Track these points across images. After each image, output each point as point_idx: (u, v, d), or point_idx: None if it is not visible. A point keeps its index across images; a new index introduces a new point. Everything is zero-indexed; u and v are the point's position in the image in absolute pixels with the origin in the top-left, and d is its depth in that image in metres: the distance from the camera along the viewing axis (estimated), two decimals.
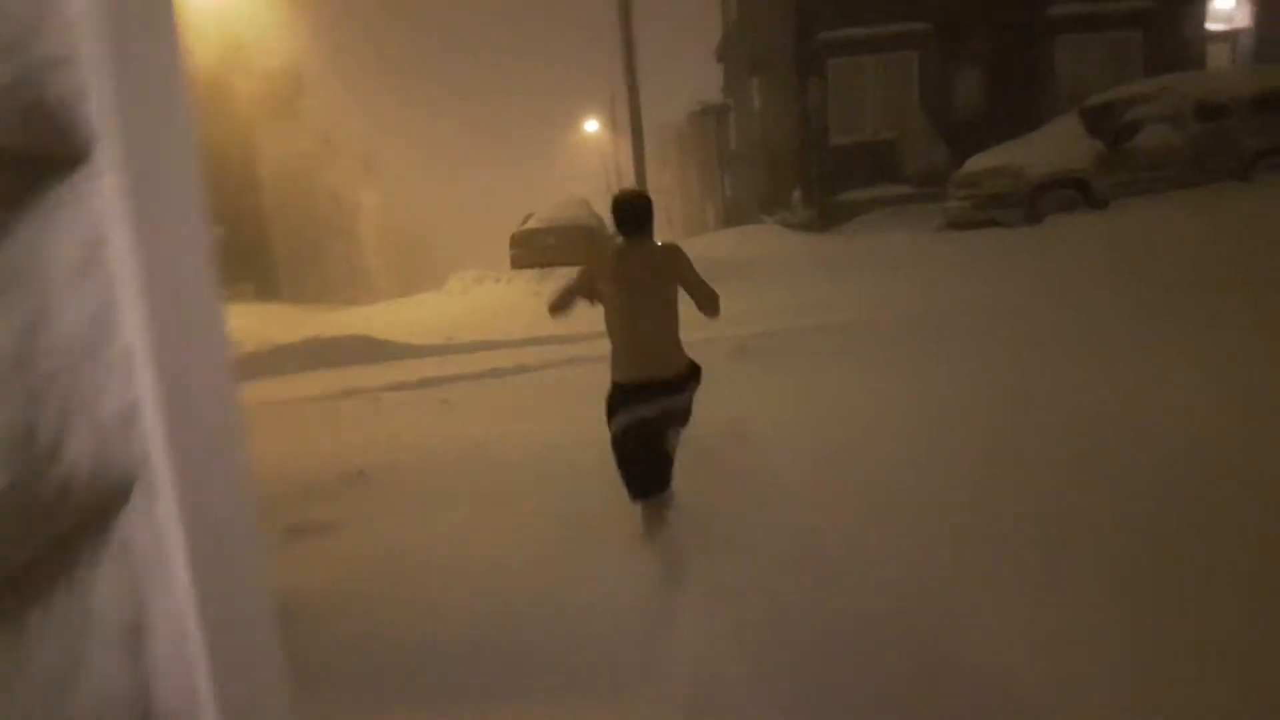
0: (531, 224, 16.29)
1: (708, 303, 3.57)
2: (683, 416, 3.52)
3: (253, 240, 23.21)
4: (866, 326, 6.72)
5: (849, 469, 3.59)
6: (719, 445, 4.03)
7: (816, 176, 16.82)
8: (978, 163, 12.52)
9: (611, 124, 36.54)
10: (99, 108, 0.61)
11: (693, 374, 3.56)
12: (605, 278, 3.59)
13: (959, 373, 4.91)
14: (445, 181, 53.73)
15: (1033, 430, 3.79)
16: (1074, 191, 11.51)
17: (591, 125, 44.97)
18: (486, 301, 12.56)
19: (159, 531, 0.63)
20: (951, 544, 2.79)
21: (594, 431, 4.50)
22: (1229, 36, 17.72)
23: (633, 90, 17.61)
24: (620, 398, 3.51)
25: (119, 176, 0.62)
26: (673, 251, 3.63)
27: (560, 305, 3.72)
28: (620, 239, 3.70)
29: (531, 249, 15.65)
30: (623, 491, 3.34)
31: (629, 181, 22.18)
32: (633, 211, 3.66)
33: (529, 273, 14.26)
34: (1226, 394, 3.81)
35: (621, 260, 3.59)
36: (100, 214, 0.61)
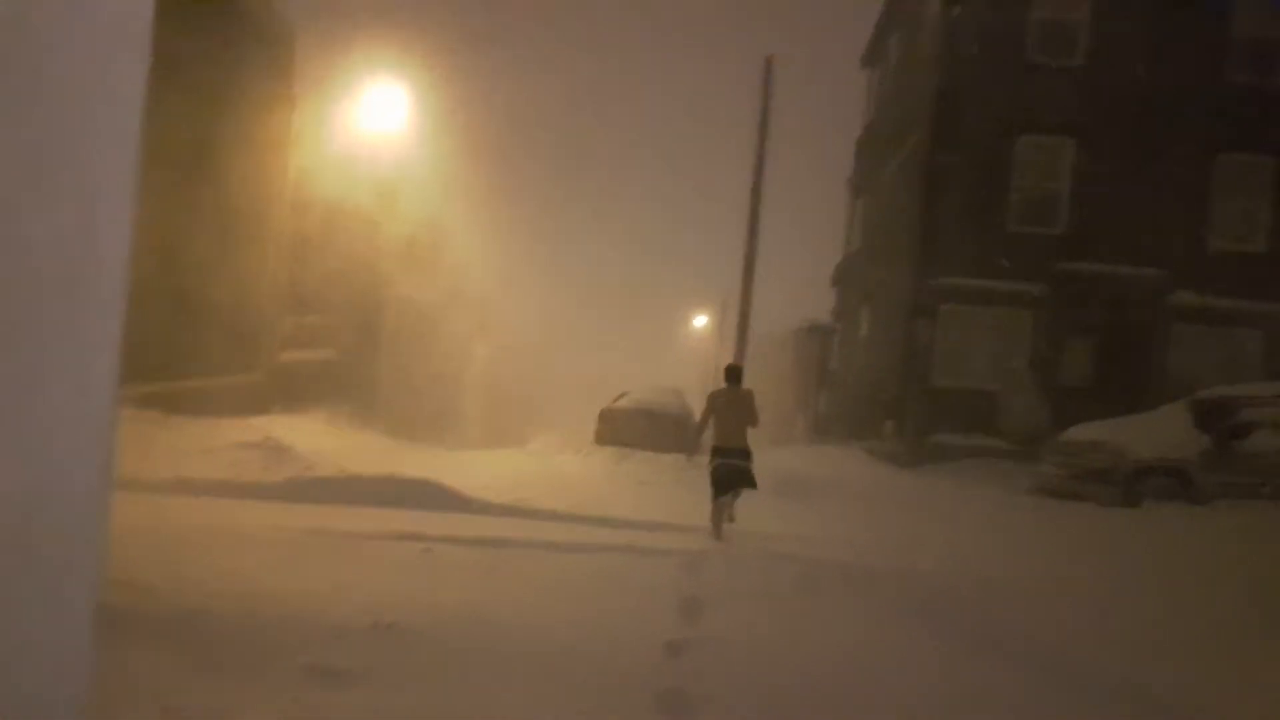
0: (623, 403, 16.57)
1: (755, 422, 8.35)
2: (747, 466, 8.06)
3: (363, 369, 24.16)
4: (938, 582, 6.49)
5: None
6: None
7: (912, 413, 16.74)
8: (1079, 433, 12.29)
9: (719, 325, 37.44)
10: None
11: (749, 450, 8.23)
12: (717, 404, 8.49)
13: (1036, 653, 4.67)
14: (552, 349, 55.40)
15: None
16: (1175, 481, 11.14)
17: (700, 321, 46.15)
18: (563, 470, 12.65)
19: None
20: None
21: (637, 630, 4.40)
22: None
23: (746, 297, 18.13)
24: (718, 454, 8.20)
25: None
26: (748, 393, 8.56)
27: (699, 430, 9.06)
28: (725, 385, 8.79)
29: (618, 427, 15.84)
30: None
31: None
32: (735, 371, 9.01)
33: (609, 450, 14.37)
34: None
35: (725, 393, 8.59)
36: None
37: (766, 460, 15.34)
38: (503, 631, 4.23)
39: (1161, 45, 16.60)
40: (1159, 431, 11.63)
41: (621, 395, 17.01)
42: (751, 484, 8.07)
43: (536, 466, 13.04)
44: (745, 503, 8.36)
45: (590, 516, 8.52)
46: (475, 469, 11.91)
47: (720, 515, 7.96)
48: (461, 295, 37.93)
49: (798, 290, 34.37)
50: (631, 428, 15.60)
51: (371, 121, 23.74)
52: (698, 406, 20.40)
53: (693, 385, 31.68)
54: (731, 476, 7.97)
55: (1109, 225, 16.64)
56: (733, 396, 8.45)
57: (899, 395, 17.47)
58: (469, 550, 6.20)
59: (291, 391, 17.95)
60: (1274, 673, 4.44)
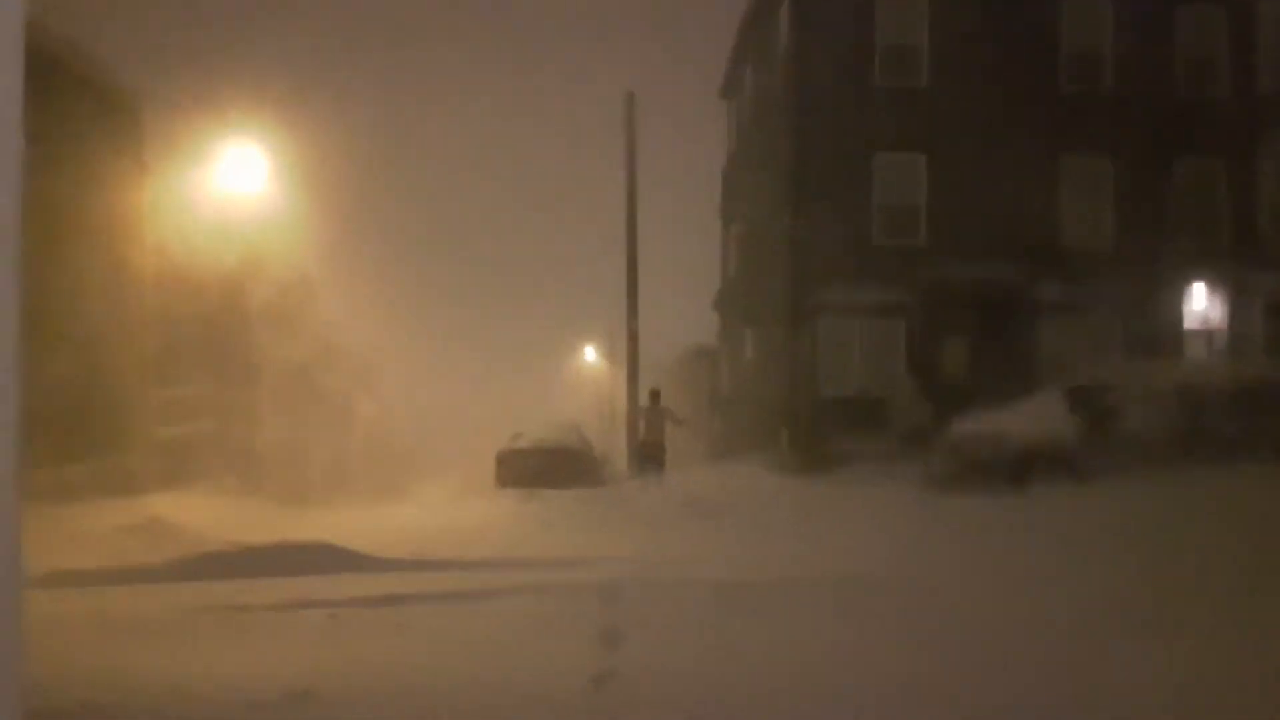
0: (520, 443, 16.44)
1: (677, 422, 16.44)
2: (663, 456, 15.78)
3: (243, 437, 23.25)
4: (842, 583, 6.61)
5: None
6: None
7: (803, 424, 17.14)
8: (962, 427, 12.79)
9: (609, 355, 37.57)
10: None
11: (664, 445, 15.96)
12: (645, 415, 16.38)
13: (934, 639, 4.79)
14: (440, 395, 54.44)
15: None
16: (1056, 464, 11.68)
17: (589, 353, 46.22)
18: (466, 518, 12.41)
19: None
20: None
21: (559, 668, 4.33)
22: (1205, 334, 18.63)
23: (631, 329, 18.29)
24: (644, 448, 16.06)
25: None
26: (664, 408, 16.15)
27: (632, 435, 16.35)
28: (649, 403, 16.05)
29: (517, 468, 15.72)
30: None
31: (621, 409, 22.54)
32: (655, 393, 16.33)
33: (512, 492, 14.20)
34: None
35: (649, 409, 16.31)
36: None
37: (669, 483, 15.43)
38: (419, 690, 4.10)
39: (999, 63, 17.67)
40: (1038, 418, 12.20)
41: (518, 435, 16.87)
42: (662, 466, 15.63)
43: (436, 517, 12.76)
44: (653, 529, 8.37)
45: (497, 560, 8.38)
46: (370, 527, 11.57)
47: (646, 482, 14.49)
48: (338, 352, 37.03)
49: (682, 315, 34.83)
50: (531, 467, 15.48)
51: (230, 184, 23.05)
52: (597, 439, 20.34)
53: (588, 416, 31.64)
54: (650, 459, 15.60)
55: (968, 230, 17.53)
56: (654, 410, 15.99)
57: (788, 408, 17.86)
58: (375, 610, 6.00)
59: (171, 468, 17.14)
60: (1147, 636, 4.66)
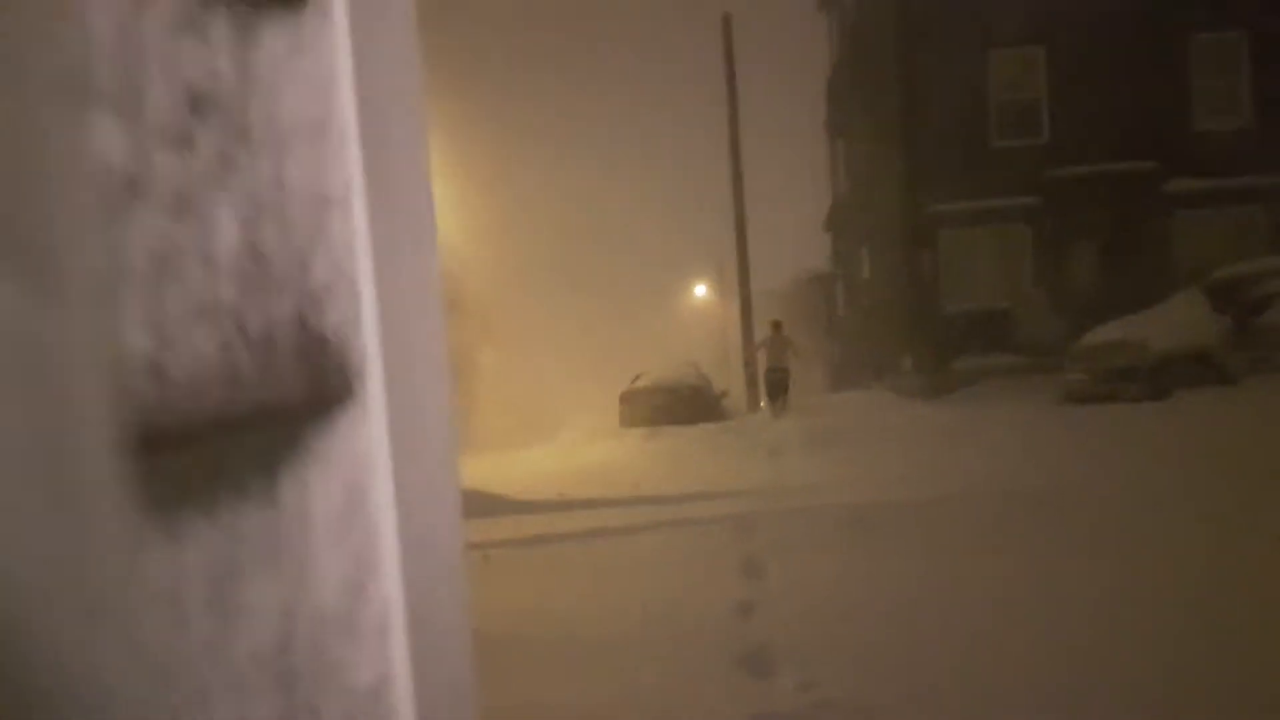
0: (641, 383, 16.65)
1: (797, 353, 16.38)
2: (786, 378, 15.75)
3: None
4: (978, 500, 6.54)
5: (959, 649, 3.45)
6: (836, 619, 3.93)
7: (928, 344, 16.76)
8: (1097, 336, 12.30)
9: (720, 289, 37.42)
10: (367, 340, 0.58)
11: (788, 370, 15.84)
12: (768, 343, 16.13)
13: (1074, 555, 4.71)
14: (560, 342, 55.40)
15: (1148, 620, 3.59)
16: (1201, 368, 11.15)
17: (701, 290, 46.12)
18: (596, 458, 12.72)
19: (374, 442, 0.57)
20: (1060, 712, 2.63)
21: (706, 599, 4.47)
22: None
23: (742, 259, 18.14)
24: (770, 373, 15.81)
25: (382, 416, 0.58)
26: (786, 337, 16.18)
27: (753, 363, 17.71)
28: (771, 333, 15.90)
29: (640, 407, 15.93)
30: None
31: (736, 344, 22.52)
32: (776, 323, 16.35)
33: (636, 431, 14.44)
34: None
35: (771, 337, 16.10)
36: (364, 460, 0.57)
37: (792, 413, 15.41)
38: (573, 622, 4.30)
39: None
40: (1178, 321, 11.63)
41: (639, 376, 17.09)
42: (786, 389, 15.68)
43: (567, 458, 13.12)
44: (780, 459, 8.40)
45: (633, 498, 8.59)
46: (507, 471, 11.99)
47: (773, 407, 15.53)
48: (457, 306, 37.97)
49: (794, 240, 34.34)
50: (653, 406, 15.69)
51: None
52: (714, 375, 20.41)
53: (704, 353, 31.69)
54: (777, 384, 15.68)
55: (1093, 125, 16.58)
56: (777, 339, 16.10)
57: (911, 329, 17.47)
58: (525, 550, 6.27)
59: None
60: None
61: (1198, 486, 6.35)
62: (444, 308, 0.72)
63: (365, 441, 0.56)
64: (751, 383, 20.91)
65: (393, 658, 0.57)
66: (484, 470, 11.91)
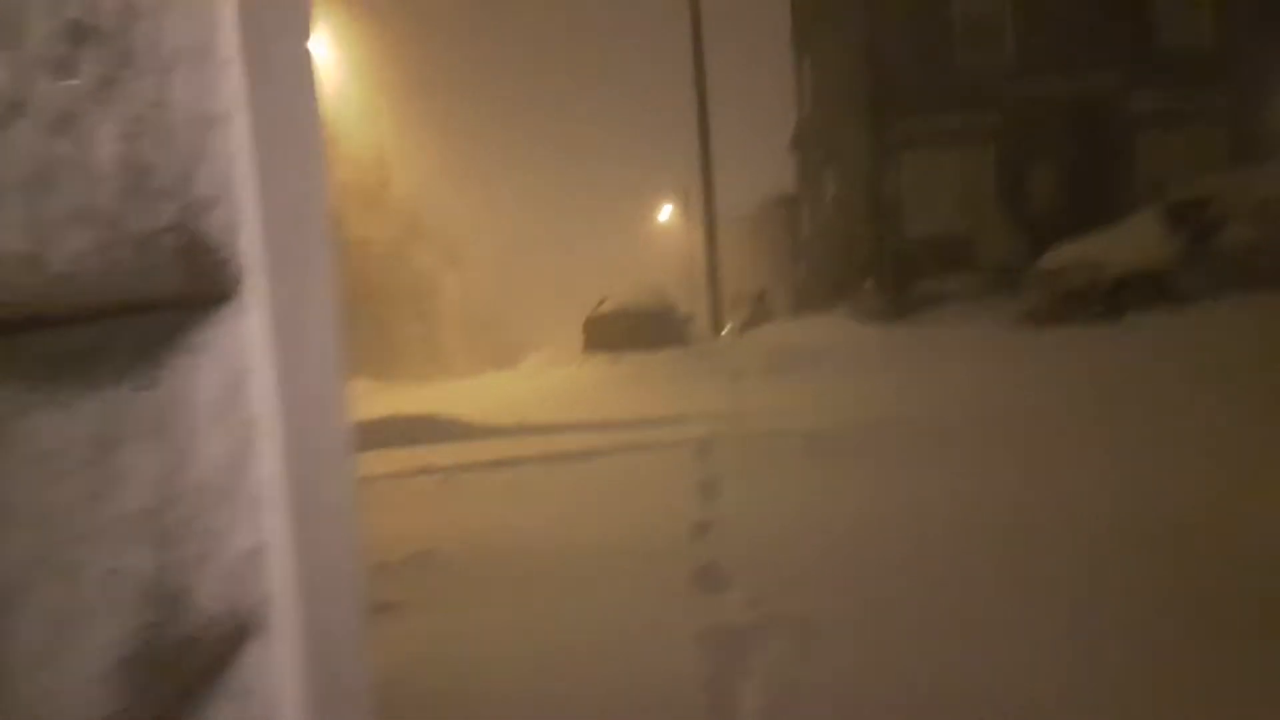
0: (605, 308, 16.58)
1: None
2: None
3: None
4: (936, 422, 6.64)
5: (916, 564, 3.53)
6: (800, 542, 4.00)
7: (890, 267, 16.83)
8: (1055, 257, 12.40)
9: (686, 212, 37.16)
10: (248, 246, 0.64)
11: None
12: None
13: (1030, 472, 4.82)
14: (524, 266, 55.06)
15: (1104, 535, 3.69)
16: (1155, 288, 11.30)
17: (667, 212, 45.79)
18: (559, 383, 12.74)
19: (280, 674, 0.63)
20: (1013, 631, 2.71)
21: (661, 519, 4.53)
22: None
23: (707, 181, 17.97)
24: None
25: (263, 313, 0.64)
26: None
27: None
28: None
29: (604, 333, 15.91)
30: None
31: (702, 267, 22.45)
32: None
33: (601, 356, 14.45)
34: None
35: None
36: (244, 351, 0.63)
37: (754, 338, 15.47)
38: (532, 542, 4.35)
39: None
40: (1135, 241, 11.75)
41: (603, 300, 17.01)
42: None
43: (531, 384, 13.12)
44: (741, 383, 8.46)
45: (595, 422, 8.63)
46: (469, 397, 11.98)
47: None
48: (420, 228, 37.45)
49: (761, 162, 34.06)
50: (618, 331, 15.67)
51: None
52: (681, 298, 20.37)
53: (671, 276, 31.61)
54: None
55: (1056, 39, 16.45)
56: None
57: (874, 251, 17.52)
58: (484, 473, 6.30)
59: None
60: (1249, 453, 4.60)
61: (1145, 404, 6.48)
62: (331, 218, 0.77)
63: (245, 336, 0.62)
64: (716, 307, 20.93)
65: (269, 527, 0.63)
66: (446, 396, 11.89)
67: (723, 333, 20.90)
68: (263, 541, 0.62)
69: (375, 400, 11.66)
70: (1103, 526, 3.87)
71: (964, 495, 4.55)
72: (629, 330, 15.55)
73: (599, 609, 3.42)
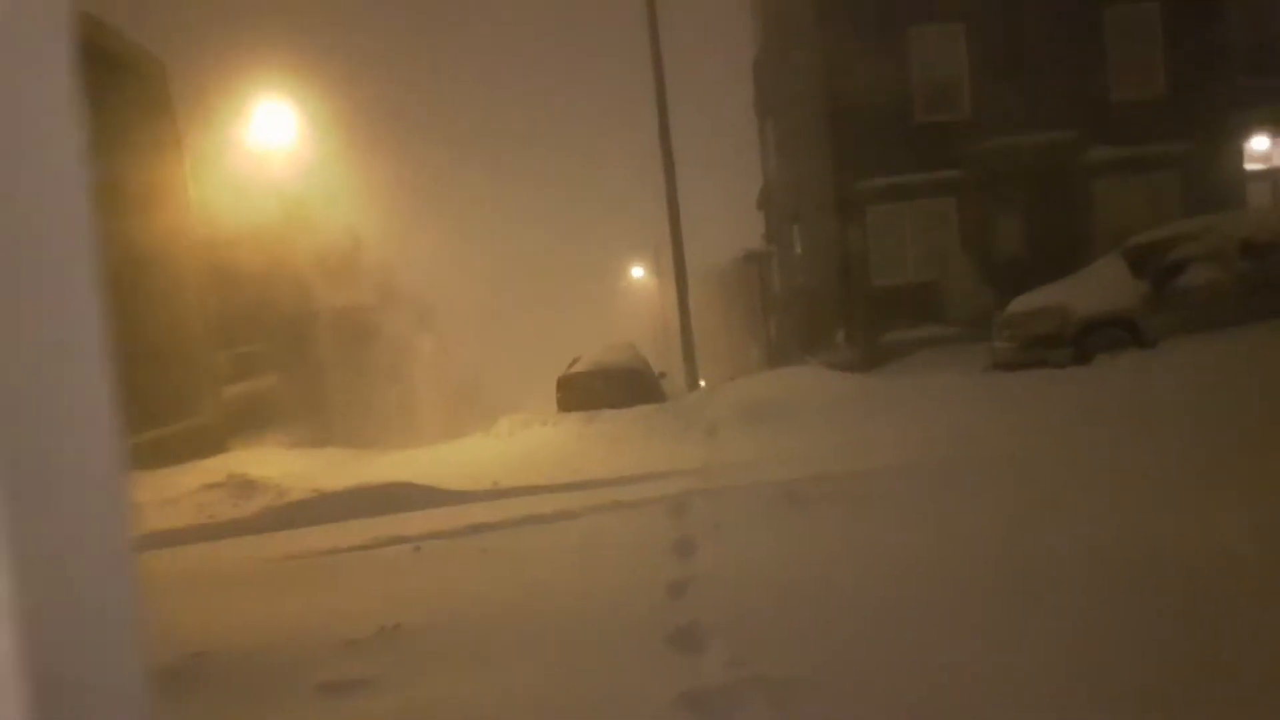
0: (578, 368, 16.53)
1: None
2: None
3: (308, 387, 23.77)
4: (906, 472, 6.62)
5: (900, 623, 3.47)
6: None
7: (860, 318, 16.96)
8: (1022, 304, 12.54)
9: (656, 270, 37.42)
10: None
11: None
12: None
13: (999, 524, 4.78)
14: (498, 328, 55.08)
15: (1087, 580, 3.65)
16: (1121, 331, 11.43)
17: (638, 272, 46.11)
18: (534, 445, 12.61)
19: None
20: (996, 686, 2.65)
21: (637, 580, 4.44)
22: (1269, 175, 17.85)
23: (676, 240, 18.12)
24: None
25: None
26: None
27: None
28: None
29: (578, 392, 15.82)
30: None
31: (673, 325, 22.53)
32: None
33: (575, 416, 14.36)
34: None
35: None
36: None
37: (728, 393, 15.45)
38: (505, 611, 4.24)
39: None
40: (1098, 286, 11.91)
41: (575, 360, 16.96)
42: None
43: (506, 447, 12.99)
44: (717, 438, 8.40)
45: (569, 483, 8.53)
46: (444, 462, 11.83)
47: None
48: (393, 294, 37.45)
49: (729, 220, 34.44)
50: (592, 390, 15.58)
51: (263, 141, 23.20)
52: (653, 358, 20.41)
53: (644, 336, 31.71)
54: None
55: (1013, 98, 16.85)
56: None
57: (843, 304, 17.66)
58: (456, 541, 6.18)
59: (242, 426, 17.64)
60: (1223, 496, 4.60)
61: (1118, 446, 6.50)
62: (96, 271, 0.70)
63: None
64: (690, 362, 20.95)
65: None
66: (419, 462, 11.74)
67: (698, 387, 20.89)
68: None
69: (348, 469, 11.49)
70: (1090, 570, 3.83)
71: (944, 544, 4.50)
72: (603, 388, 15.48)
73: (574, 677, 3.32)
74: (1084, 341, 11.46)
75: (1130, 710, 2.57)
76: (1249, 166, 17.55)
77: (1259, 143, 17.69)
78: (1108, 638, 3.08)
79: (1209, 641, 2.97)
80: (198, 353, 16.85)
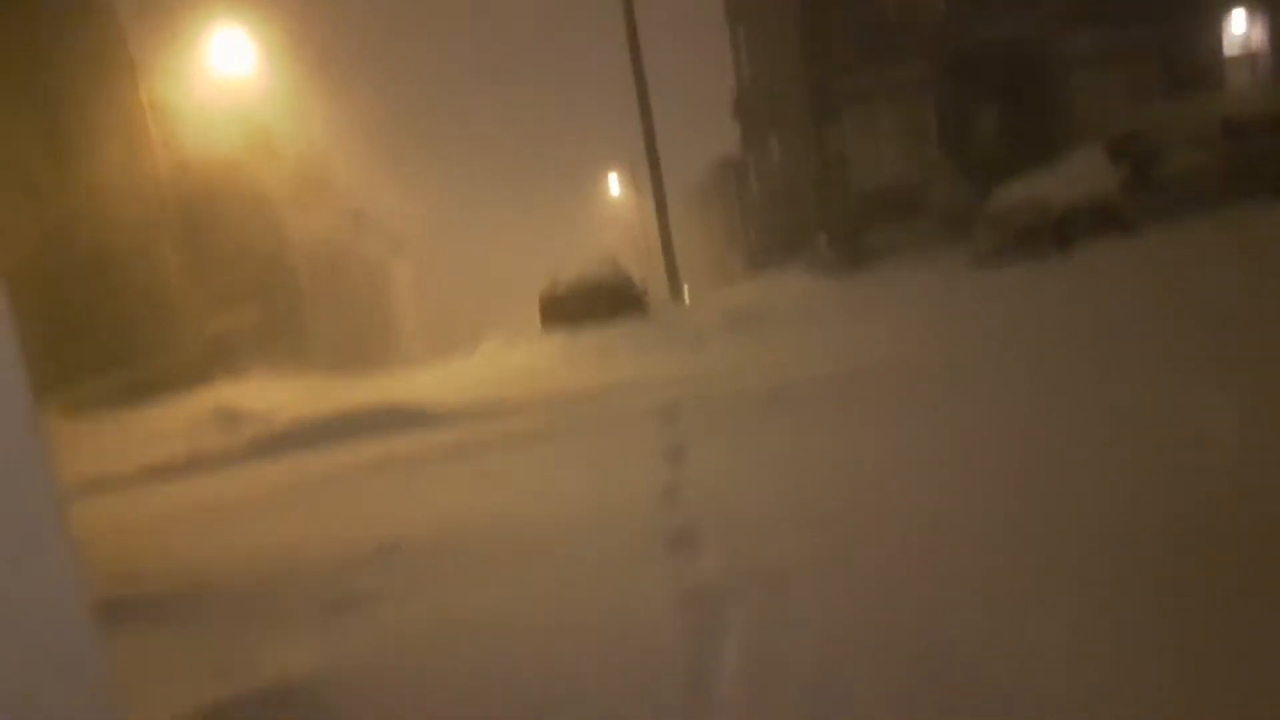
0: (559, 284, 16.46)
1: None
2: None
3: (287, 316, 23.60)
4: (897, 370, 6.66)
5: (887, 511, 3.52)
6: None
7: (840, 221, 16.88)
8: (1002, 197, 12.50)
9: (634, 184, 36.98)
10: None
11: None
12: None
13: (979, 417, 4.83)
14: (476, 249, 54.54)
15: (1071, 466, 3.71)
16: (1102, 219, 11.43)
17: (615, 186, 45.57)
18: (519, 363, 12.64)
19: None
20: (983, 576, 2.72)
21: (631, 489, 4.48)
22: (1247, 59, 17.65)
23: (651, 152, 17.85)
24: None
25: None
26: None
27: None
28: None
29: (560, 309, 15.78)
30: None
31: (652, 237, 22.34)
32: None
33: (560, 331, 14.36)
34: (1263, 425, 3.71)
35: None
36: None
37: (712, 303, 15.45)
38: (503, 524, 4.28)
39: None
40: (1078, 175, 11.86)
41: (556, 275, 16.87)
42: None
43: (491, 366, 13.01)
44: (702, 347, 8.43)
45: (557, 399, 8.56)
46: (430, 384, 11.84)
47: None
48: (366, 220, 36.93)
49: (705, 129, 33.93)
50: (574, 306, 15.55)
51: (222, 68, 22.52)
52: (634, 271, 20.31)
53: (624, 250, 31.49)
54: None
55: None
56: None
57: (823, 207, 17.55)
58: (449, 460, 6.21)
59: (226, 359, 17.55)
60: (1205, 378, 4.65)
61: (1099, 334, 6.54)
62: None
63: None
64: (672, 273, 20.86)
65: None
66: (406, 385, 11.75)
67: (682, 297, 20.86)
68: None
69: (334, 395, 11.48)
70: (1077, 461, 3.88)
71: (928, 440, 4.56)
72: (585, 304, 15.44)
73: (577, 583, 3.37)
74: (1065, 231, 11.46)
75: (1136, 603, 2.64)
76: (1228, 51, 17.33)
77: (1237, 24, 17.45)
78: (1107, 530, 3.13)
79: (1191, 516, 3.03)
80: (176, 287, 16.65)
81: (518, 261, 45.67)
